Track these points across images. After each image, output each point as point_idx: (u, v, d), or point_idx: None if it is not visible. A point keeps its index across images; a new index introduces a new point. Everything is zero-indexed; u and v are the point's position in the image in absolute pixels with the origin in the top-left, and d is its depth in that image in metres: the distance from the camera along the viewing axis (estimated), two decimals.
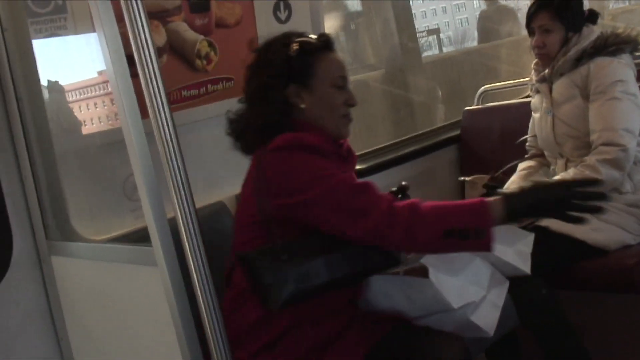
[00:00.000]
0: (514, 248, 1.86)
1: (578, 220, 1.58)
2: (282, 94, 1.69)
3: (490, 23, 5.86)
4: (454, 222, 1.54)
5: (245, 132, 1.74)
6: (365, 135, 4.10)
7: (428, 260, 1.67)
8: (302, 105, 1.70)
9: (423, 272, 1.66)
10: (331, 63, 1.72)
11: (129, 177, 2.09)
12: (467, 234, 1.53)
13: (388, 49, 5.00)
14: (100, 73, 2.18)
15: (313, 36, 1.77)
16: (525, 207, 1.56)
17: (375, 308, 1.73)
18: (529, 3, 2.48)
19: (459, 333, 1.73)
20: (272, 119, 1.68)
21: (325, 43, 1.75)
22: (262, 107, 1.69)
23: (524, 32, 2.54)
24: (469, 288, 1.72)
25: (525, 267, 1.88)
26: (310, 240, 1.61)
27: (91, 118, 2.20)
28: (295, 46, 1.70)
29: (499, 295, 1.80)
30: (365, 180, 1.63)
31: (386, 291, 1.70)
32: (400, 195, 1.81)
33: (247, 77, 1.76)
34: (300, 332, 1.64)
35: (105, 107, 2.17)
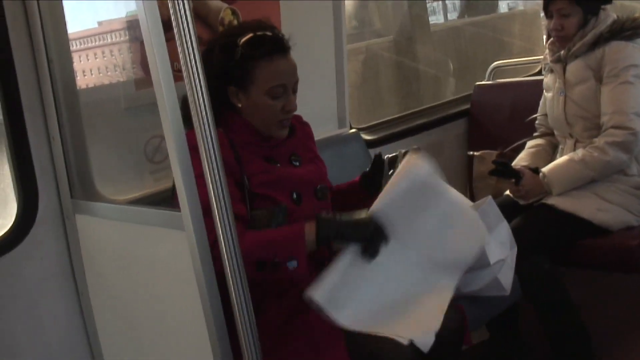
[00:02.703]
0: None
1: (370, 256, 1.63)
2: (223, 91, 1.74)
3: None
4: (264, 254, 1.62)
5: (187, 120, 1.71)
6: (372, 107, 4.11)
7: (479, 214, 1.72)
8: (239, 105, 1.76)
9: None
10: (272, 72, 1.73)
11: (150, 140, 2.13)
12: (278, 264, 1.62)
13: (397, 16, 4.96)
14: (100, 23, 2.20)
15: (268, 34, 1.75)
16: (334, 235, 1.63)
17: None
18: None
19: (479, 293, 1.79)
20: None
21: (275, 48, 1.74)
22: None
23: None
24: (499, 246, 1.79)
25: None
26: None
27: (90, 69, 2.23)
28: (239, 51, 1.71)
29: (512, 258, 1.87)
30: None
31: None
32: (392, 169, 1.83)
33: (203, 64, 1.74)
34: (265, 306, 1.69)
35: (105, 59, 2.19)
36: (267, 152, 1.80)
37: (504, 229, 1.85)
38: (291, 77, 1.77)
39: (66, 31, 1.91)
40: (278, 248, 1.63)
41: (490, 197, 1.86)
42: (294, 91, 1.79)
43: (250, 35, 1.73)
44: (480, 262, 1.75)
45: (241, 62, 1.72)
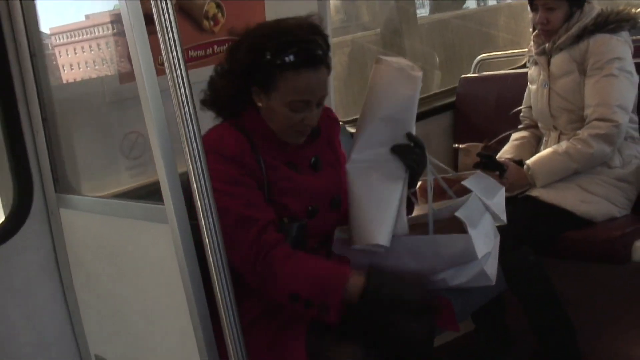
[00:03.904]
0: (492, 201, 1.89)
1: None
2: (246, 88, 1.67)
3: None
4: (300, 289, 1.55)
5: (210, 105, 1.73)
6: (359, 100, 4.09)
7: (462, 213, 1.72)
8: (260, 104, 1.68)
9: (456, 225, 1.73)
10: (295, 86, 1.61)
11: (126, 135, 2.13)
12: (311, 304, 1.55)
13: (384, 9, 4.96)
14: (87, 17, 2.19)
15: (301, 42, 1.61)
16: (384, 299, 1.56)
17: (399, 268, 1.73)
18: None
19: (466, 285, 1.79)
20: (230, 104, 1.70)
21: (304, 60, 1.60)
22: (226, 90, 1.69)
23: None
24: (485, 239, 1.79)
25: (503, 217, 1.91)
26: None
27: (78, 62, 2.22)
28: (267, 55, 1.60)
29: (495, 247, 1.88)
30: (252, 215, 1.58)
31: (412, 249, 1.74)
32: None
33: (226, 56, 1.71)
34: (249, 303, 1.67)
35: (92, 52, 2.19)
36: (288, 155, 1.73)
37: (487, 220, 1.86)
38: (317, 93, 1.64)
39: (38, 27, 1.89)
40: (314, 289, 1.55)
41: (473, 194, 1.83)
42: (319, 105, 1.68)
43: (280, 41, 1.60)
44: (468, 257, 1.76)
45: (266, 67, 1.61)
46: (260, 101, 1.67)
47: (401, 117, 1.73)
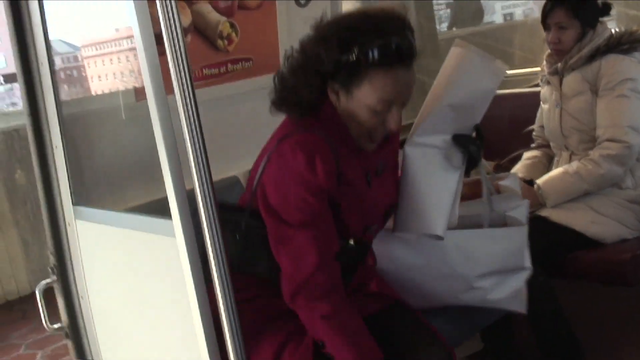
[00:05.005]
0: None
1: None
2: (323, 84, 1.55)
3: None
4: (329, 345, 1.52)
5: (280, 104, 1.62)
6: None
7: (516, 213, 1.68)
8: (337, 103, 1.56)
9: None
10: (380, 85, 1.47)
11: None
12: (333, 358, 1.52)
13: None
14: (117, 30, 2.27)
15: (395, 40, 1.46)
16: None
17: (442, 267, 1.68)
18: None
19: (498, 304, 1.74)
20: (305, 101, 1.57)
21: (396, 58, 1.46)
22: (299, 87, 1.57)
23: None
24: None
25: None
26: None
27: (105, 74, 2.29)
28: (355, 50, 1.46)
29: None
30: (313, 244, 1.51)
31: (462, 245, 1.67)
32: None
33: (300, 49, 1.58)
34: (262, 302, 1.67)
35: (120, 64, 2.26)
36: (362, 163, 1.61)
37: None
38: (404, 93, 1.51)
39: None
40: (344, 353, 1.51)
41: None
42: (403, 106, 1.54)
43: (370, 36, 1.46)
44: (517, 263, 1.68)
45: (353, 65, 1.47)
46: (338, 99, 1.54)
47: (473, 108, 1.64)
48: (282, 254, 1.55)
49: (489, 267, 1.68)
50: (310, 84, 1.54)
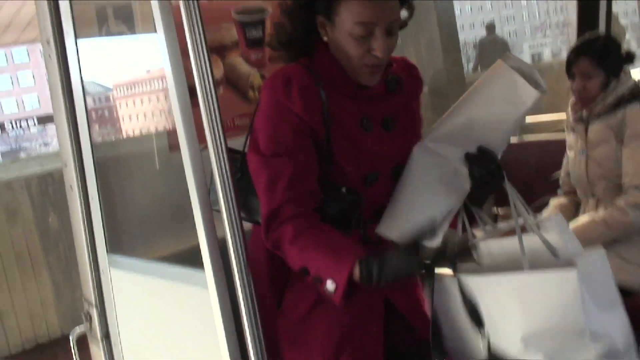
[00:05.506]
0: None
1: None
2: (311, 20, 1.54)
3: None
4: (309, 264, 1.46)
5: (275, 46, 1.62)
6: None
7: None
8: (325, 38, 1.54)
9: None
10: (355, 8, 1.44)
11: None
12: (319, 281, 1.44)
13: (432, 70, 5.05)
14: (148, 71, 2.33)
15: None
16: (377, 278, 1.39)
17: (498, 319, 1.43)
18: None
19: None
20: (295, 40, 1.57)
21: None
22: (292, 26, 1.57)
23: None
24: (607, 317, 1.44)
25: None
26: None
27: (137, 114, 2.35)
28: None
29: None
30: (284, 175, 1.47)
31: (515, 294, 1.40)
32: None
33: None
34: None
35: (151, 103, 2.31)
36: (362, 107, 1.56)
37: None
38: (383, 15, 1.45)
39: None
40: (325, 264, 1.43)
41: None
42: (390, 33, 1.48)
43: None
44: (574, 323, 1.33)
45: None
46: (326, 34, 1.52)
47: (498, 131, 1.47)
48: (258, 187, 1.52)
49: (547, 324, 1.39)
50: (298, 19, 1.54)
